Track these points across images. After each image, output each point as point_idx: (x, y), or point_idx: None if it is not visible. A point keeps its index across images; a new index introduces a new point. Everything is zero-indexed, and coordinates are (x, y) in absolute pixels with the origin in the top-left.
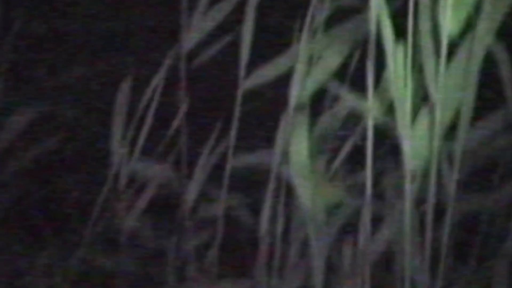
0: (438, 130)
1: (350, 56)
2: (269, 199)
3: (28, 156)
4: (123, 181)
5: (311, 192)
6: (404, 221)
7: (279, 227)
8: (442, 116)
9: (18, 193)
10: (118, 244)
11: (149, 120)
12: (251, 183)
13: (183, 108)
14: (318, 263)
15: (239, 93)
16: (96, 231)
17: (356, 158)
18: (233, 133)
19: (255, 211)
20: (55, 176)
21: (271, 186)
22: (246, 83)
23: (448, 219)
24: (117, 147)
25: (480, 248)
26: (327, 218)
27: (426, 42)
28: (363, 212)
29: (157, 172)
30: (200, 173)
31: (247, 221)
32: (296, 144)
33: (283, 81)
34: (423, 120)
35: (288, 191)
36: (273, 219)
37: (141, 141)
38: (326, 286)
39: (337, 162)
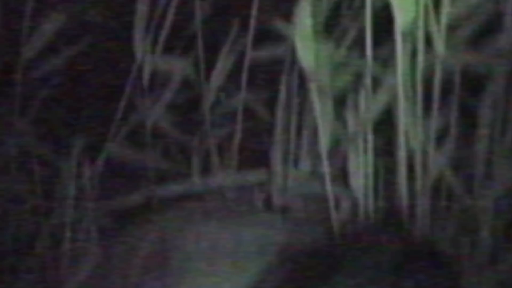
0: None
1: None
2: (283, 90)
3: (60, 58)
4: (146, 76)
5: (314, 53)
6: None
7: (293, 117)
8: None
9: (50, 93)
10: (143, 140)
11: (170, 17)
12: (267, 78)
13: (203, 5)
14: (323, 126)
15: None
16: (121, 127)
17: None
18: (251, 29)
19: (272, 105)
20: (84, 77)
21: (285, 77)
22: None
23: (437, 76)
24: (140, 44)
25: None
26: (330, 80)
27: None
28: (364, 74)
29: (179, 67)
30: (219, 69)
31: (264, 114)
32: (301, 12)
33: None
34: None
35: (301, 82)
36: (288, 110)
37: (163, 37)
38: (331, 152)
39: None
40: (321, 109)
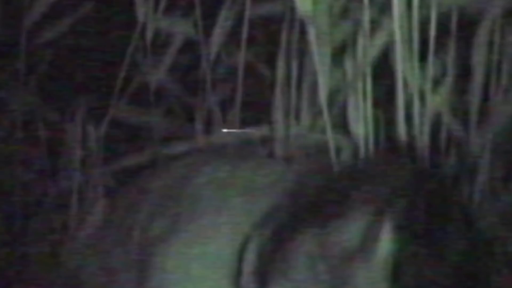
0: None
1: None
2: (283, 46)
3: (64, 21)
4: (149, 36)
5: (313, 2)
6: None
7: (294, 72)
8: None
9: (54, 57)
10: (146, 100)
11: None
12: (267, 36)
13: None
14: (322, 75)
15: None
16: (125, 88)
17: None
18: None
19: (272, 60)
20: (88, 39)
21: (285, 31)
22: None
23: (433, 18)
24: (142, 4)
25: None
26: (329, 29)
27: None
28: (362, 22)
29: (181, 27)
30: (220, 27)
31: (265, 72)
32: None
33: None
34: None
35: (301, 37)
36: (288, 65)
37: None
38: (330, 101)
39: None
40: (320, 59)
